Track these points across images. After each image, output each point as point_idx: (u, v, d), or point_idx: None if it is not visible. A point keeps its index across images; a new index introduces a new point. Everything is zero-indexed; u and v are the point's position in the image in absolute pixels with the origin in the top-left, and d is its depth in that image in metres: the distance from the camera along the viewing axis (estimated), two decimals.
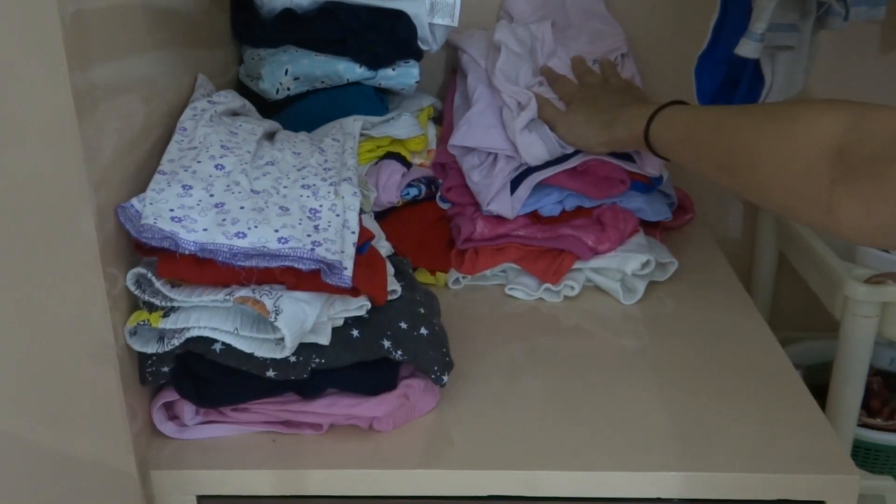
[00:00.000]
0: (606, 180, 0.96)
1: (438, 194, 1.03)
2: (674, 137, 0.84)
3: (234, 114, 0.82)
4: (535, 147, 0.94)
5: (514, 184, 0.95)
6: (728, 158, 0.76)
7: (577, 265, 0.96)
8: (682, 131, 0.83)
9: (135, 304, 0.67)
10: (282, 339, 0.65)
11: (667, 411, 0.75)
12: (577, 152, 0.96)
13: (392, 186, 0.98)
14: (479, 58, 1.03)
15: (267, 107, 0.96)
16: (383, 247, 0.81)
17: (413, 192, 1.01)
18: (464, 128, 0.98)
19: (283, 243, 0.64)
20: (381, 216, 0.99)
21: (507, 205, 0.95)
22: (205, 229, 0.64)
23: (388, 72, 0.97)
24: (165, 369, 0.68)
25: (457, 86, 1.08)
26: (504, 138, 0.96)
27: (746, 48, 0.92)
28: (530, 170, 0.95)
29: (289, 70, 0.95)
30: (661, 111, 0.86)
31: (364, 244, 0.72)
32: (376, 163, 0.99)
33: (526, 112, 0.94)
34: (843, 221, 0.65)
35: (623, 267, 0.94)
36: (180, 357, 0.68)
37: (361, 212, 0.73)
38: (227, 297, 0.65)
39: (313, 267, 0.64)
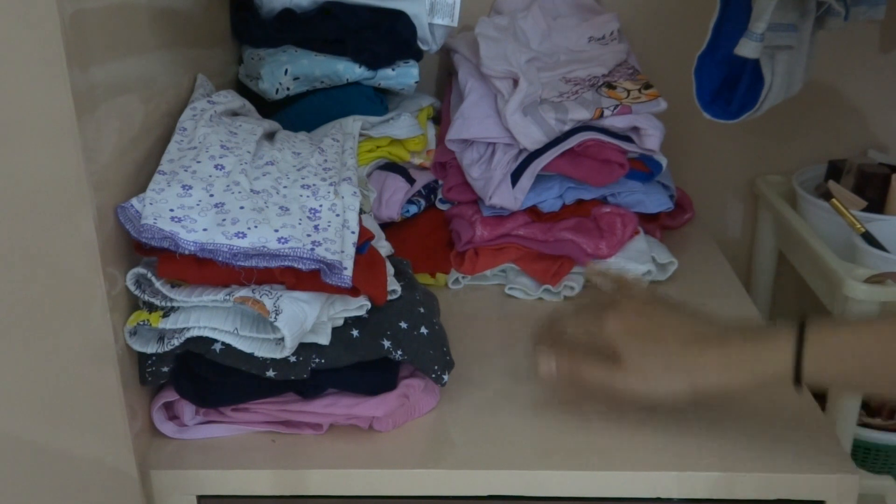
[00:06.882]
0: (605, 164, 0.95)
1: (439, 197, 1.03)
2: (842, 369, 0.65)
3: (234, 114, 0.82)
4: (531, 130, 0.92)
5: (515, 177, 0.95)
6: None
7: (576, 269, 0.96)
8: (855, 360, 0.64)
9: (135, 305, 0.67)
10: (282, 339, 0.65)
11: (666, 411, 0.75)
12: (573, 132, 0.94)
13: (395, 204, 0.98)
14: (469, 55, 1.03)
15: (266, 107, 0.96)
16: (383, 247, 0.81)
17: (413, 209, 1.01)
18: (458, 121, 0.98)
19: (283, 243, 0.64)
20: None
21: (509, 197, 0.94)
22: (205, 229, 0.64)
23: (388, 72, 0.97)
24: (165, 369, 0.68)
25: (452, 86, 1.08)
26: (500, 126, 0.95)
27: (746, 48, 0.92)
28: (530, 158, 0.95)
29: (288, 70, 0.95)
30: (808, 337, 0.64)
31: (364, 244, 0.72)
32: (380, 172, 0.99)
33: (516, 95, 0.93)
34: None
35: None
36: (180, 357, 0.68)
37: (361, 212, 0.73)
38: (227, 297, 0.65)
39: (313, 267, 0.64)
